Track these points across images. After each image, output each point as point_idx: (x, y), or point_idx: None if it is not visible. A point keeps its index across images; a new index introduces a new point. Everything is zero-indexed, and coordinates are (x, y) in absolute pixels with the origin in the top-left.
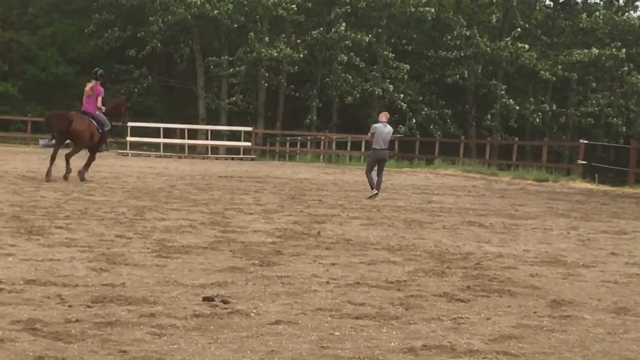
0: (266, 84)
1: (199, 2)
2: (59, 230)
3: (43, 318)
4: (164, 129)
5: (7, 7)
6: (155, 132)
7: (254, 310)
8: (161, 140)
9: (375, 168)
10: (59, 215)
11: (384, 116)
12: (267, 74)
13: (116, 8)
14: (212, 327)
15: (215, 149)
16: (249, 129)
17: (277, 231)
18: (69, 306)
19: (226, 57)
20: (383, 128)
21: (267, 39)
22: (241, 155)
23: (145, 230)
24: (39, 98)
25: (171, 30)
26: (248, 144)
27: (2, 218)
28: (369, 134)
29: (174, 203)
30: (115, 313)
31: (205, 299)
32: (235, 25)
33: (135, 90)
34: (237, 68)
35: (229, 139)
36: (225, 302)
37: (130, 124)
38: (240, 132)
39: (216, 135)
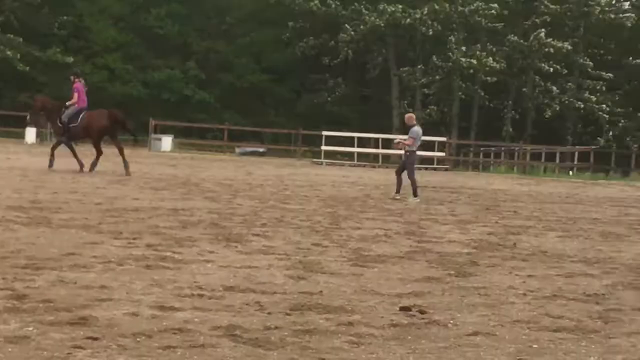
0: (462, 95)
1: (392, 10)
2: (257, 237)
3: (243, 324)
4: (358, 138)
5: (205, 17)
6: (349, 141)
7: (451, 321)
8: (355, 149)
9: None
10: (256, 222)
11: (413, 118)
12: (462, 83)
13: (311, 16)
14: (409, 337)
15: None
16: (443, 139)
17: (472, 242)
18: (268, 313)
19: (420, 66)
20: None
21: (463, 48)
22: (435, 165)
23: (341, 238)
24: (235, 106)
25: (365, 39)
26: (442, 154)
27: (200, 225)
28: (410, 138)
29: (369, 212)
30: (314, 321)
31: (403, 308)
32: (430, 33)
33: (329, 99)
34: (431, 77)
35: (422, 149)
36: (422, 312)
37: (324, 132)
38: (434, 142)
39: None
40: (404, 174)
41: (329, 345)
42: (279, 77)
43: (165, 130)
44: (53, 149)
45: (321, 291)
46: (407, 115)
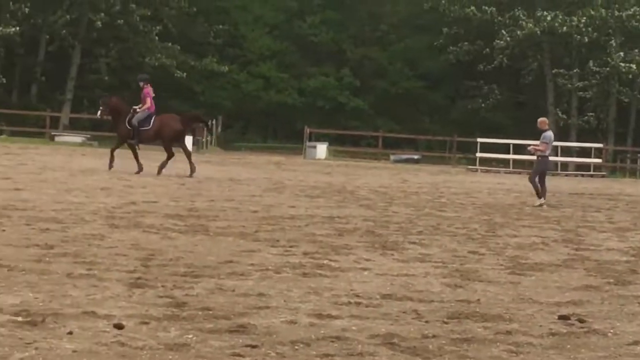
0: (625, 99)
1: (549, 18)
2: (413, 245)
3: (400, 333)
4: (513, 145)
5: (360, 24)
6: (504, 148)
7: (611, 330)
8: (510, 156)
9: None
10: (412, 230)
11: (545, 123)
12: (622, 88)
13: (466, 22)
14: (568, 346)
15: (564, 166)
16: (600, 145)
17: (631, 250)
18: (426, 321)
19: (576, 70)
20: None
21: (621, 53)
22: (591, 172)
23: (498, 246)
24: (389, 113)
25: (520, 45)
26: (598, 160)
27: (356, 233)
28: (543, 143)
29: (525, 219)
30: (472, 330)
31: (561, 317)
32: (586, 40)
33: (483, 105)
34: (587, 82)
35: (578, 156)
36: (581, 321)
37: (479, 139)
38: (590, 148)
39: (565, 151)
40: (544, 179)
41: (487, 354)
42: (433, 83)
43: (319, 138)
44: (113, 150)
45: (478, 299)
46: (540, 120)
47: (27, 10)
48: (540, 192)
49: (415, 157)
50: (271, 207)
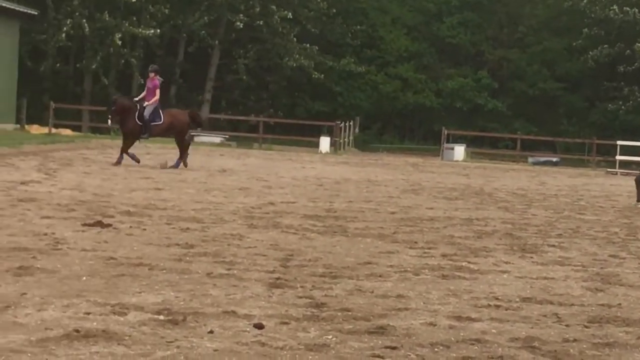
0: None
1: None
2: (552, 248)
3: (541, 336)
4: None
5: (498, 26)
6: None
7: None
8: None
9: None
10: (551, 233)
11: None
12: None
13: (607, 24)
14: None
15: None
16: None
17: None
18: (566, 325)
19: None
20: None
21: None
22: None
23: (639, 250)
24: (527, 114)
25: None
26: None
27: (495, 235)
28: None
29: None
30: (613, 334)
31: None
32: None
33: (623, 107)
34: None
35: None
36: None
37: (619, 142)
38: None
39: None
40: None
41: (629, 359)
42: (572, 85)
43: (457, 139)
44: (125, 151)
45: (620, 304)
46: None
47: (166, 11)
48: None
49: (554, 159)
50: (409, 208)
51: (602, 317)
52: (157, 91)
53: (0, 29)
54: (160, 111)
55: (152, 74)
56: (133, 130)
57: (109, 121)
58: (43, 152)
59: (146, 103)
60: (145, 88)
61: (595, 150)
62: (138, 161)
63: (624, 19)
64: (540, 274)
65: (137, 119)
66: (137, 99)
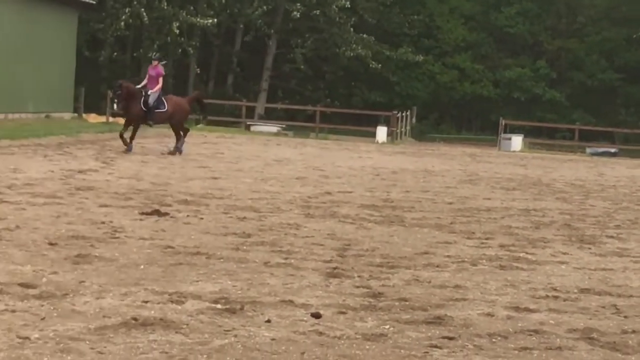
0: None
1: None
2: (610, 239)
3: (599, 328)
4: None
5: (556, 16)
6: None
7: None
8: None
9: None
10: (609, 224)
11: None
12: None
13: None
14: None
15: None
16: None
17: None
18: (625, 317)
19: None
20: None
21: None
22: None
23: None
24: (585, 105)
25: None
26: None
27: (553, 226)
28: None
29: None
30: None
31: None
32: None
33: None
34: None
35: None
36: None
37: None
38: None
39: None
40: None
41: None
42: (631, 76)
43: (514, 130)
44: (122, 134)
45: None
46: None
47: (223, 1)
48: None
49: (612, 150)
50: (466, 198)
51: None
52: (161, 79)
53: (58, 19)
54: (163, 99)
55: (155, 62)
56: (137, 116)
57: (115, 105)
58: (100, 140)
59: (151, 91)
60: (147, 76)
61: None
62: (130, 149)
63: None
64: (598, 265)
65: (142, 106)
66: (139, 86)
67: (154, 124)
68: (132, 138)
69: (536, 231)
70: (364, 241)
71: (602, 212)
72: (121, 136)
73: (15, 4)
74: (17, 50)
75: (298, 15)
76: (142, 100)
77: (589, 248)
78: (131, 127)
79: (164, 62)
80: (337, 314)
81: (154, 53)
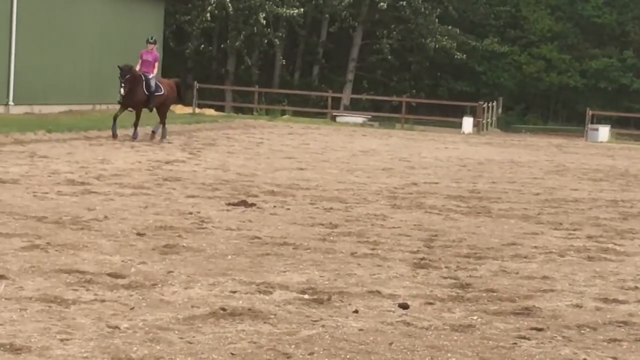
0: None
1: None
2: None
3: None
4: None
5: None
6: None
7: None
8: None
9: None
10: None
11: None
12: None
13: None
14: None
15: None
16: None
17: None
18: None
19: None
20: None
21: None
22: None
23: None
24: None
25: None
26: None
27: None
28: None
29: None
30: None
31: None
32: None
33: None
34: None
35: None
36: None
37: None
38: None
39: None
40: None
41: None
42: None
43: (601, 120)
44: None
45: None
46: None
47: None
48: None
49: None
50: (553, 189)
51: None
52: (157, 64)
53: (145, 11)
54: (158, 82)
55: (151, 46)
56: (140, 101)
57: (122, 90)
58: (187, 131)
59: (151, 75)
60: (141, 60)
61: None
62: (136, 137)
63: None
64: None
65: (145, 90)
66: (151, 75)
67: (152, 108)
68: (136, 124)
69: (624, 222)
70: (450, 232)
71: None
72: (115, 119)
73: None
74: (104, 42)
75: (385, 6)
76: (144, 85)
77: None
78: (126, 112)
79: (155, 44)
80: (424, 304)
81: (150, 37)
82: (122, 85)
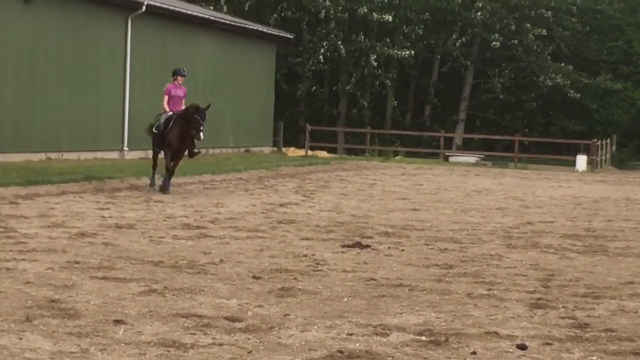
0: None
1: None
2: None
3: None
4: None
5: None
6: None
7: None
8: None
9: None
10: None
11: None
12: None
13: None
14: None
15: None
16: None
17: None
18: None
19: None
20: None
21: None
22: None
23: None
24: None
25: None
26: None
27: None
28: None
29: None
30: None
31: None
32: None
33: None
34: None
35: None
36: None
37: None
38: None
39: None
40: None
41: None
42: None
43: None
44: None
45: None
46: None
47: (420, 32)
48: None
49: None
50: None
51: None
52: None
53: (258, 53)
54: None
55: (181, 79)
56: (190, 146)
57: (202, 134)
58: (300, 174)
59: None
60: (170, 95)
61: None
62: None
63: None
64: None
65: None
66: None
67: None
68: (172, 174)
69: None
70: (567, 271)
71: None
72: (154, 169)
73: (215, 40)
74: (218, 85)
75: (498, 45)
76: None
77: None
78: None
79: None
80: (542, 345)
81: (183, 69)
82: (202, 129)
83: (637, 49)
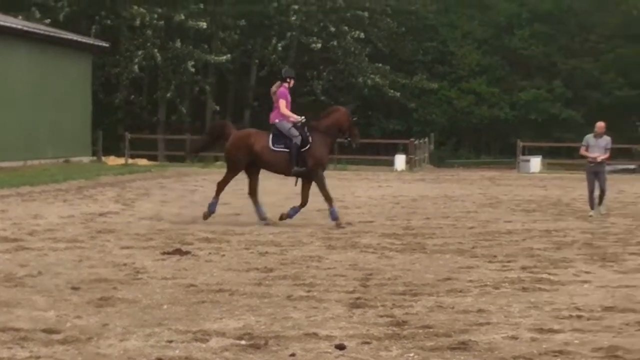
0: None
1: None
2: (633, 256)
3: (624, 345)
4: None
5: (569, 36)
6: None
7: None
8: None
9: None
10: (631, 241)
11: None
12: None
13: None
14: None
15: None
16: None
17: None
18: None
19: None
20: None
21: None
22: None
23: None
24: None
25: None
26: None
27: (574, 246)
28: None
29: None
30: None
31: None
32: None
33: None
34: None
35: None
36: None
37: None
38: None
39: None
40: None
41: None
42: None
43: (532, 151)
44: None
45: None
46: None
47: (236, 37)
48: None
49: (631, 166)
50: (487, 222)
51: None
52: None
53: (73, 63)
54: None
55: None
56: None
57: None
58: (120, 182)
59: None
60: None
61: None
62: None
63: None
64: (621, 282)
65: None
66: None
67: None
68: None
69: (558, 252)
70: (386, 270)
71: (624, 229)
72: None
73: (30, 51)
74: (33, 97)
75: (318, 47)
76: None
77: (612, 266)
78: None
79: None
80: (361, 344)
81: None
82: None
83: (451, 49)
